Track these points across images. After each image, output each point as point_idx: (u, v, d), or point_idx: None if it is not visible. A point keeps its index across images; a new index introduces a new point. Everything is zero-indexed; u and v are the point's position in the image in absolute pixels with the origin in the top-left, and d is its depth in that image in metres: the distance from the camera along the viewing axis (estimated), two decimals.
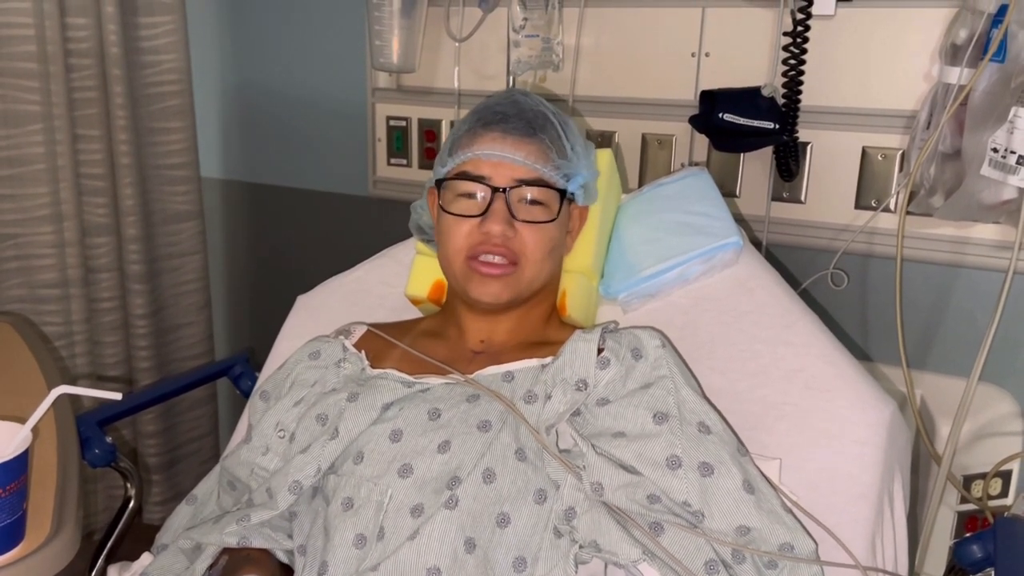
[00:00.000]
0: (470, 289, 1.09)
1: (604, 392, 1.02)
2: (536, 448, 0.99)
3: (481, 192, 1.08)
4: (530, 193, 1.08)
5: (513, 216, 1.07)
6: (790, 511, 0.98)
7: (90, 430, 1.25)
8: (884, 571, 1.01)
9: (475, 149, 1.08)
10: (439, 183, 1.12)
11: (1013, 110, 1.16)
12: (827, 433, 1.06)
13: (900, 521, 1.05)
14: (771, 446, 1.07)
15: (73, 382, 1.27)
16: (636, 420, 0.99)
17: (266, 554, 1.04)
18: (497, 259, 1.07)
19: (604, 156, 1.25)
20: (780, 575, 0.94)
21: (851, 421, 1.05)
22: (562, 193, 1.10)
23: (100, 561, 1.29)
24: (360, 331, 1.20)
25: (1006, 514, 1.31)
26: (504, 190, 1.07)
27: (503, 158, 1.07)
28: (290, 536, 1.05)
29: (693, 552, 0.93)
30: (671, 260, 1.20)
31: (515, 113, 1.10)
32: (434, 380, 1.07)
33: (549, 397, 1.00)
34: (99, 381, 1.92)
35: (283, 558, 1.06)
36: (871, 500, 1.01)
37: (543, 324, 1.16)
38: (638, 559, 0.91)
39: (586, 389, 1.01)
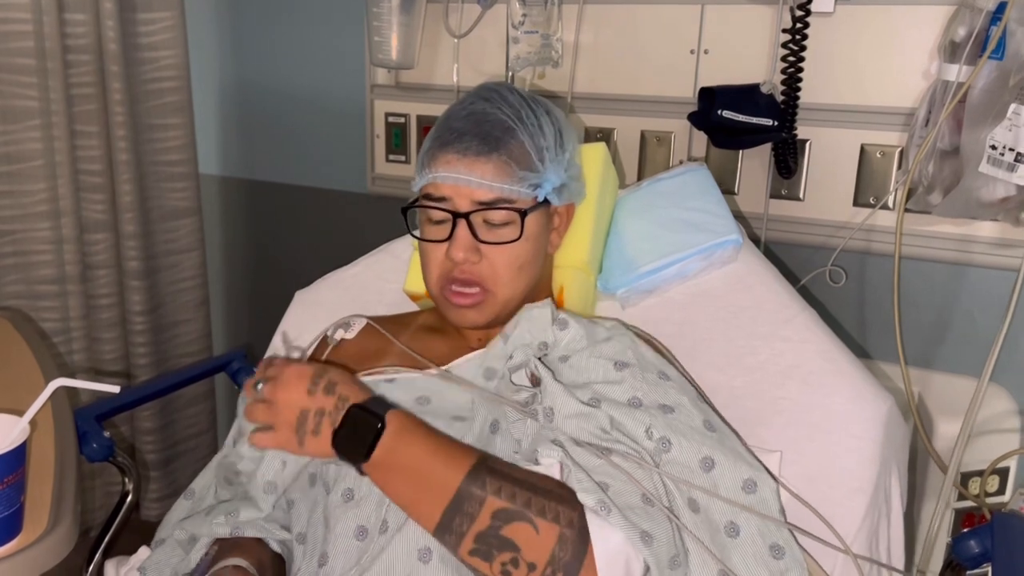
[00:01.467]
0: (449, 316, 1.09)
1: (565, 351, 1.03)
2: (506, 417, 0.99)
3: (443, 216, 1.05)
4: (492, 216, 1.04)
5: (477, 239, 1.04)
6: (751, 452, 0.99)
7: (88, 424, 1.25)
8: (874, 560, 1.01)
9: (434, 170, 1.05)
10: (404, 210, 1.10)
11: (1012, 107, 1.17)
12: (824, 428, 1.06)
13: (896, 516, 1.05)
14: (768, 441, 1.07)
15: (71, 378, 1.27)
16: (598, 370, 1.00)
17: (257, 541, 1.04)
18: (467, 288, 1.06)
19: (598, 151, 1.24)
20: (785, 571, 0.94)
21: (848, 416, 1.06)
22: (523, 213, 1.05)
23: (97, 556, 1.29)
24: (359, 324, 1.20)
25: (1003, 510, 1.31)
26: (466, 215, 1.03)
27: (458, 180, 1.03)
28: (283, 527, 1.05)
29: (638, 479, 0.91)
30: (670, 256, 1.20)
31: (471, 128, 1.05)
32: (412, 373, 1.07)
33: (510, 358, 1.02)
34: (97, 377, 1.92)
35: (276, 547, 1.06)
36: (867, 495, 1.02)
37: None
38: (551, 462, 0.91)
39: (547, 350, 1.03)
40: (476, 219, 1.04)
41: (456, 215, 1.03)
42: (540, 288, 1.16)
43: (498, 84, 1.13)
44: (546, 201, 1.09)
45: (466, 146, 1.03)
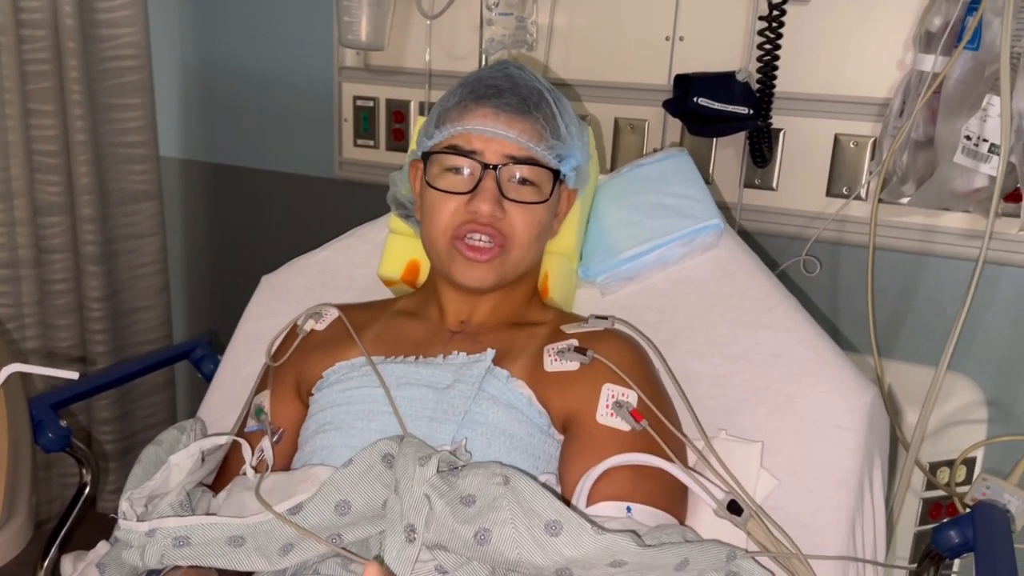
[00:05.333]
0: (453, 271, 1.06)
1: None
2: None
3: (471, 168, 1.04)
4: (522, 172, 1.04)
5: (503, 195, 1.03)
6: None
7: (43, 413, 1.20)
8: (855, 559, 1.01)
9: (466, 123, 1.04)
10: (426, 156, 1.08)
11: (986, 98, 1.17)
12: (808, 418, 1.05)
13: (879, 507, 1.05)
14: (751, 431, 1.06)
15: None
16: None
17: None
18: (483, 241, 1.04)
19: None
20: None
21: (832, 406, 1.05)
22: (555, 174, 1.07)
23: (53, 551, 1.24)
24: (331, 316, 1.17)
25: (966, 497, 1.32)
26: (495, 167, 1.03)
27: (495, 134, 1.03)
28: None
29: None
30: (650, 242, 1.18)
31: (509, 88, 1.05)
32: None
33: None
34: (52, 365, 1.86)
35: None
36: (851, 486, 1.01)
37: (525, 304, 1.14)
38: None
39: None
40: (503, 175, 1.03)
41: (486, 166, 1.02)
42: (533, 270, 1.15)
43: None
44: (562, 180, 1.09)
45: (506, 102, 1.04)
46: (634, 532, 0.86)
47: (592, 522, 0.85)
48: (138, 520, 0.94)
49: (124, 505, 0.95)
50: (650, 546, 0.85)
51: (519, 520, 0.84)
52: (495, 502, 0.85)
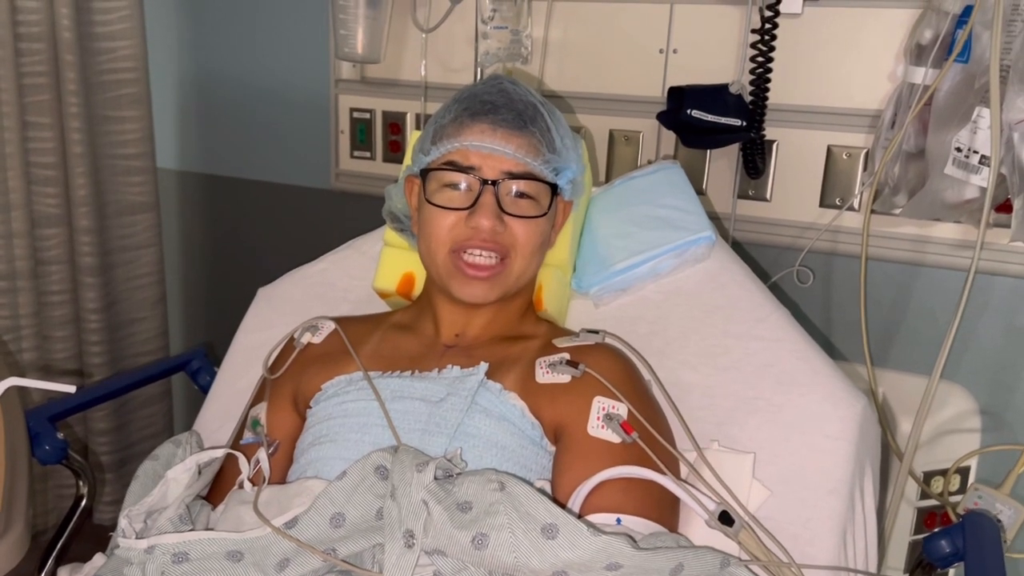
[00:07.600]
0: (453, 288, 1.07)
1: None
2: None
3: (469, 184, 1.04)
4: (520, 187, 1.05)
5: (503, 210, 1.04)
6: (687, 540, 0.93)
7: (40, 426, 1.21)
8: (847, 569, 1.01)
9: (463, 139, 1.04)
10: (424, 172, 1.08)
11: (976, 110, 1.18)
12: (799, 428, 1.05)
13: (870, 516, 1.05)
14: (743, 441, 1.06)
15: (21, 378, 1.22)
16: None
17: None
18: (484, 256, 1.04)
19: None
20: None
21: (823, 416, 1.05)
22: (553, 187, 1.07)
23: (50, 563, 1.24)
24: (327, 329, 1.17)
25: (959, 507, 1.32)
26: (494, 183, 1.04)
27: (493, 150, 1.03)
28: None
29: None
30: (643, 254, 1.19)
31: (504, 104, 1.06)
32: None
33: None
34: (49, 377, 1.86)
35: None
36: (843, 495, 1.01)
37: (519, 318, 1.15)
38: None
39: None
40: (502, 190, 1.04)
41: (485, 182, 1.03)
42: (530, 283, 1.15)
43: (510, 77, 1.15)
44: (557, 193, 1.09)
45: (502, 118, 1.04)
46: (629, 536, 0.87)
47: (589, 524, 0.86)
48: (137, 536, 0.94)
49: (123, 522, 0.96)
50: (645, 549, 0.85)
51: (516, 524, 0.85)
52: (492, 507, 0.86)
